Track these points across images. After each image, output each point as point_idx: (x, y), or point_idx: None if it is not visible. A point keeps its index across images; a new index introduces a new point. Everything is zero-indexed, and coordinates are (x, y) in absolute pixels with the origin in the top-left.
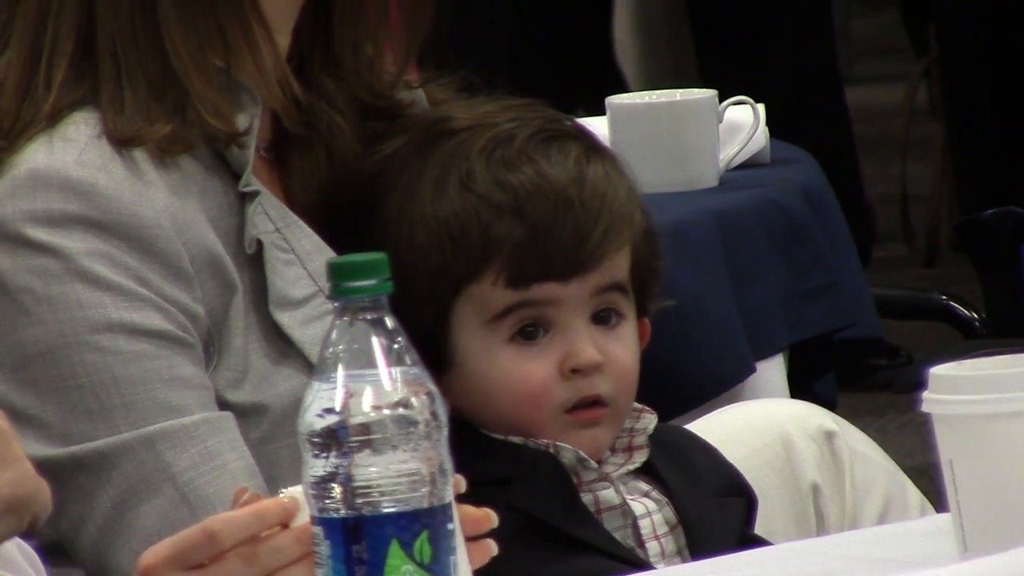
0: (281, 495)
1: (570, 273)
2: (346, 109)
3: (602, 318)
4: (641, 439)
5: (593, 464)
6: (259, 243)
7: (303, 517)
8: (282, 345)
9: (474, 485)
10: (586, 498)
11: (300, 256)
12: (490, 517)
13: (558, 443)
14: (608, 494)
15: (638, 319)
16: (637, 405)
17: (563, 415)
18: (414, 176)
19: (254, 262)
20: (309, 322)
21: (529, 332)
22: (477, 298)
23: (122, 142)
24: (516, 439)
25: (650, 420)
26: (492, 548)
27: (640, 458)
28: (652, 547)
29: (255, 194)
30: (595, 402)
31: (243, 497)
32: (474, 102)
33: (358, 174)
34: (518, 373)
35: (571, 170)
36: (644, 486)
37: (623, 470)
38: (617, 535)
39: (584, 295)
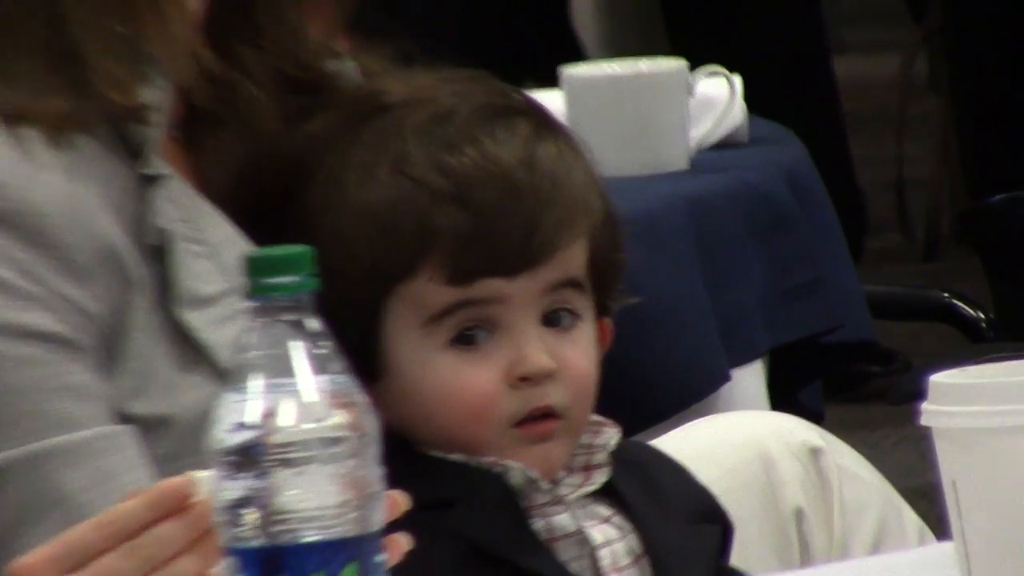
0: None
1: (518, 267)
2: (266, 82)
3: (554, 319)
4: (601, 457)
5: (545, 485)
6: (164, 233)
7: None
8: (190, 349)
9: (410, 510)
10: (537, 524)
11: (211, 248)
12: (398, 502)
13: (505, 461)
14: (562, 520)
15: (597, 319)
16: (596, 418)
17: (510, 429)
18: (341, 158)
19: (159, 255)
20: (221, 323)
21: (471, 335)
22: (413, 297)
23: (9, 119)
24: (457, 457)
25: (611, 435)
26: (403, 543)
27: (600, 478)
28: None
29: (161, 178)
30: (547, 414)
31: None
32: (410, 74)
33: (278, 156)
34: (459, 382)
35: (519, 151)
36: (604, 511)
37: (580, 492)
38: (572, 566)
39: (534, 293)
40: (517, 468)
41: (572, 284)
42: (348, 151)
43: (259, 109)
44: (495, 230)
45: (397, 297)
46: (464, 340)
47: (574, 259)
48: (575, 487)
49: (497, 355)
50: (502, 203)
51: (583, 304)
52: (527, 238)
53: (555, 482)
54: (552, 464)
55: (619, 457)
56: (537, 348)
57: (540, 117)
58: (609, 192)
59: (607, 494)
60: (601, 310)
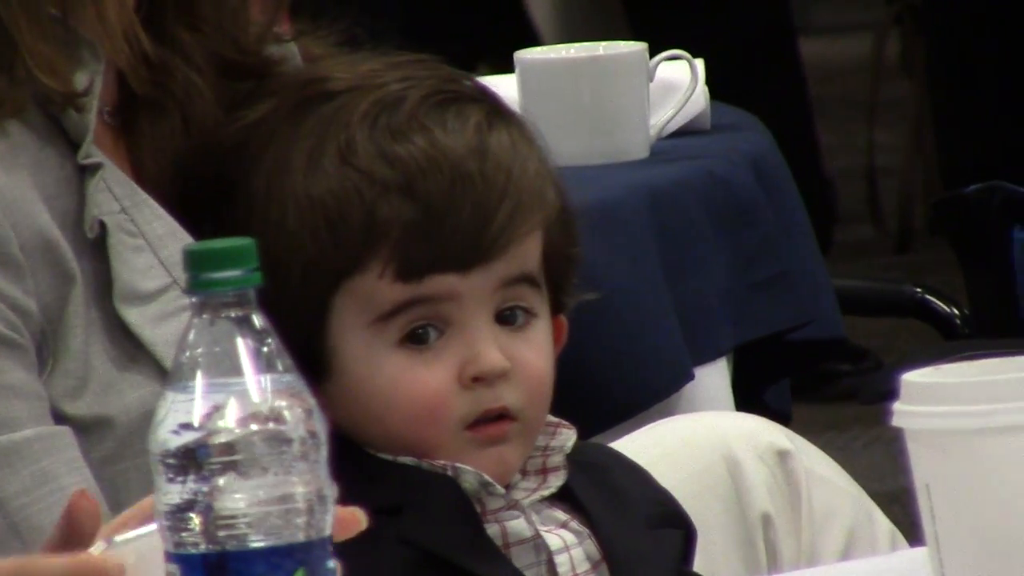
0: (102, 547)
1: (470, 262)
2: (205, 67)
3: (508, 317)
4: (557, 459)
5: (500, 489)
6: (102, 225)
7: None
8: (130, 347)
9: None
10: (491, 529)
11: (150, 241)
12: (357, 519)
13: (458, 465)
14: (518, 525)
15: (552, 316)
16: (552, 419)
17: (463, 432)
18: (284, 147)
19: (96, 248)
20: (162, 320)
21: (422, 334)
22: (360, 293)
23: None
24: (407, 460)
25: (568, 437)
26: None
27: (556, 482)
28: None
29: (97, 167)
30: (501, 415)
31: (81, 507)
32: (356, 59)
33: (218, 144)
34: (409, 382)
35: (470, 139)
36: (561, 515)
37: (536, 496)
38: (529, 573)
39: (487, 289)
40: (470, 472)
41: (527, 280)
42: (291, 139)
43: (197, 95)
44: (446, 223)
45: (344, 293)
46: (414, 339)
47: (528, 253)
48: (530, 491)
49: (449, 354)
50: (452, 194)
51: (538, 301)
52: (479, 231)
53: (509, 486)
54: (507, 467)
55: (576, 460)
56: (490, 347)
57: (492, 104)
58: (564, 183)
59: (564, 498)
60: (556, 307)
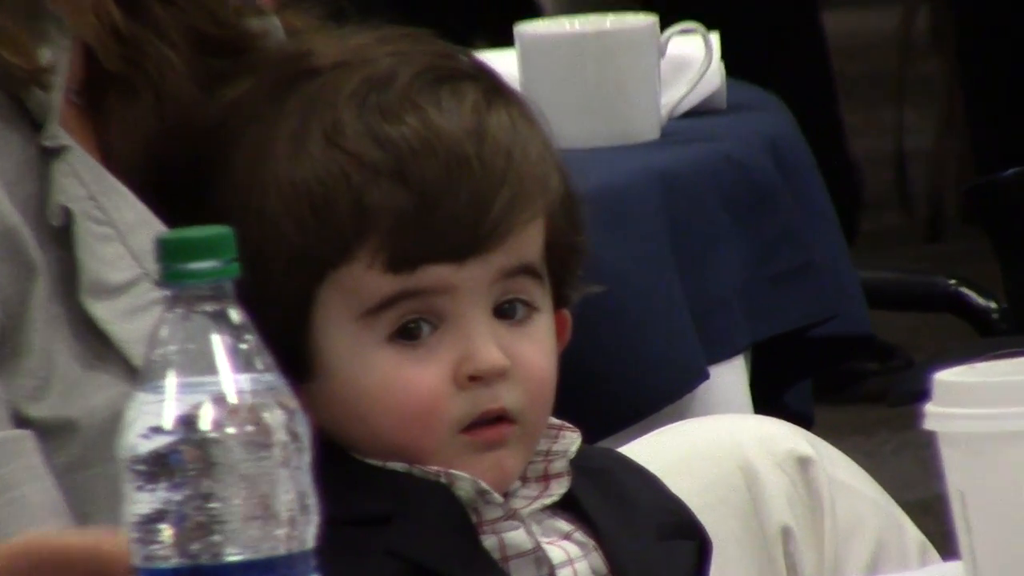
0: None
1: (466, 252)
2: (180, 42)
3: (507, 311)
4: (560, 465)
5: (498, 498)
6: (67, 213)
7: None
8: (96, 344)
9: (343, 525)
10: (489, 541)
11: (120, 230)
12: None
13: (452, 471)
14: (517, 536)
15: (555, 311)
16: (555, 421)
17: (458, 435)
18: (266, 128)
19: (61, 238)
20: (132, 314)
21: (414, 329)
22: (348, 285)
23: None
24: (398, 466)
25: (572, 441)
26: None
27: (559, 489)
28: None
29: (62, 150)
30: (499, 418)
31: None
32: (342, 33)
33: (195, 125)
34: (401, 382)
35: (467, 120)
36: (565, 526)
37: (537, 505)
38: None
39: (484, 281)
40: (466, 479)
41: (527, 271)
42: (273, 120)
43: (172, 73)
44: (440, 210)
45: (331, 286)
46: (406, 334)
47: (530, 243)
48: (531, 499)
49: (443, 351)
50: (448, 179)
51: (539, 294)
52: (476, 219)
53: (508, 494)
54: (506, 474)
55: (580, 465)
56: (488, 344)
57: (490, 82)
58: (568, 167)
59: (567, 506)
60: (559, 300)
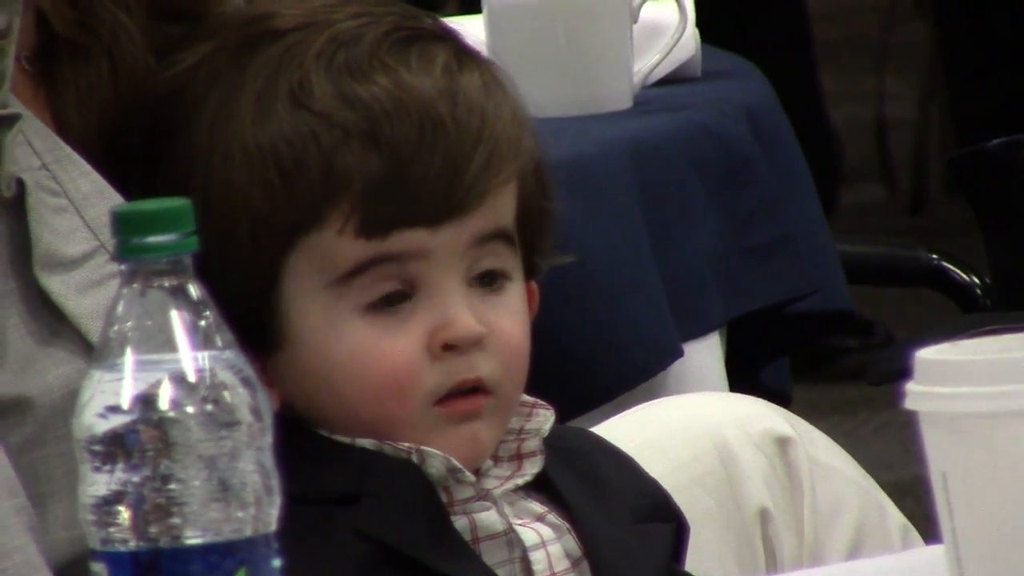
0: None
1: (441, 216)
2: (135, 7)
3: (483, 280)
4: (533, 443)
5: (469, 476)
6: (20, 183)
7: None
8: (51, 319)
9: (308, 503)
10: (460, 522)
11: (75, 201)
12: None
13: (423, 448)
14: (488, 518)
15: (532, 277)
16: (528, 399)
17: (432, 407)
18: (228, 92)
19: (14, 209)
20: (88, 288)
21: (389, 297)
22: (318, 252)
23: None
24: (367, 443)
25: (545, 418)
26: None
27: (532, 469)
28: None
29: (14, 118)
30: (475, 388)
31: None
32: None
33: (152, 92)
34: (375, 352)
35: (439, 80)
36: (538, 507)
37: (509, 485)
38: (501, 572)
39: (460, 246)
40: (437, 456)
41: (502, 236)
42: (236, 83)
43: (126, 38)
44: (414, 172)
45: (300, 252)
46: (381, 304)
47: (504, 207)
48: (503, 479)
49: (417, 320)
50: (422, 141)
51: (513, 261)
52: (451, 181)
53: (480, 473)
54: (480, 448)
55: (554, 445)
56: (464, 311)
57: (458, 44)
58: (538, 132)
59: (541, 487)
60: (529, 270)
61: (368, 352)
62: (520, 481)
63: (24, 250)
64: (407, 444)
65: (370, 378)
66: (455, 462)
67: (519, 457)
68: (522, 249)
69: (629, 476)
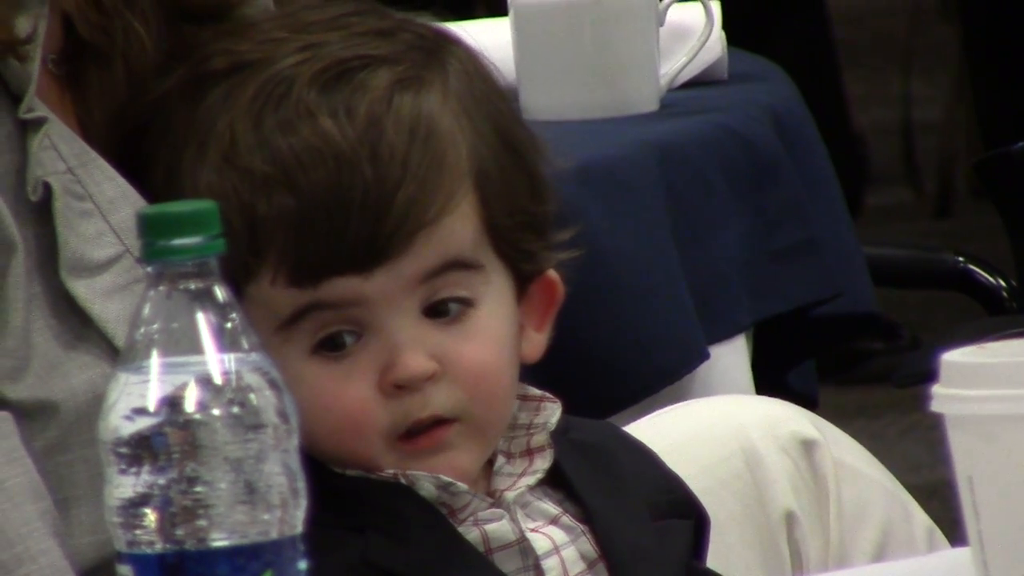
0: None
1: (369, 262)
2: (150, 12)
3: (440, 310)
4: (542, 438)
5: (461, 486)
6: (46, 187)
7: None
8: (77, 323)
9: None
10: (471, 535)
11: (100, 205)
12: None
13: (410, 472)
14: (500, 529)
15: (535, 278)
16: (535, 392)
17: (397, 443)
18: (179, 134)
19: (40, 213)
20: (113, 293)
21: (336, 341)
22: (259, 301)
23: None
24: (355, 473)
25: (551, 412)
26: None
27: (542, 464)
28: None
29: (40, 122)
30: (436, 423)
31: None
32: (297, 10)
33: (130, 119)
34: (328, 395)
35: (363, 119)
36: (552, 509)
37: (521, 486)
38: None
39: (400, 288)
40: (423, 476)
41: (456, 265)
42: (185, 127)
43: (138, 44)
44: (333, 220)
45: (247, 300)
46: (329, 346)
47: (452, 236)
48: (515, 477)
49: (368, 361)
50: (339, 187)
51: (478, 283)
52: (373, 227)
53: (494, 472)
54: (461, 472)
55: (573, 438)
56: (412, 350)
57: (417, 58)
58: (518, 133)
59: (557, 484)
60: (531, 271)
61: (323, 394)
62: (531, 480)
63: (51, 254)
64: (391, 471)
65: (329, 419)
66: (444, 477)
67: (530, 452)
68: (509, 257)
69: (649, 471)
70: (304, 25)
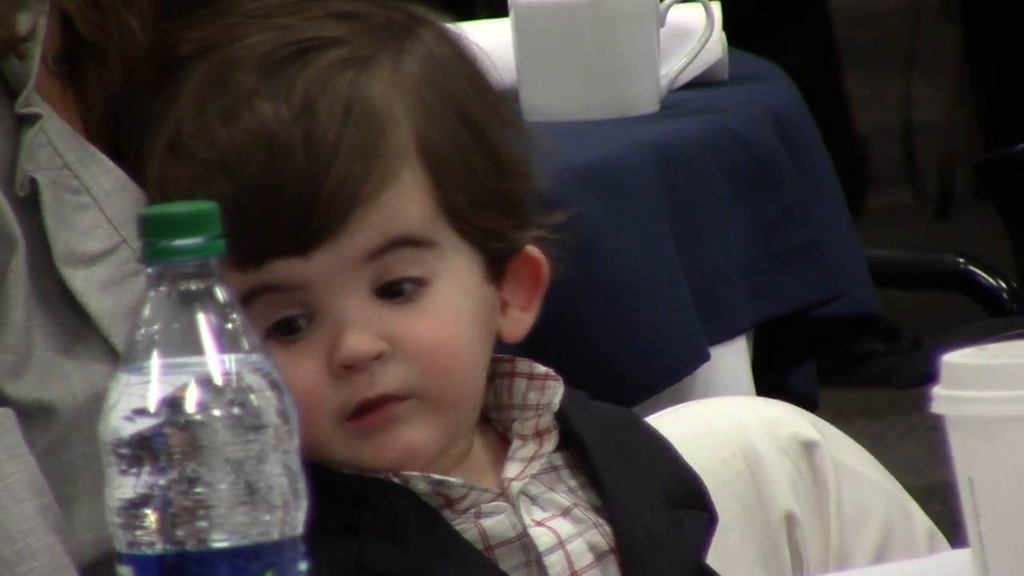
0: None
1: (306, 243)
2: (145, 10)
3: (394, 289)
4: (548, 419)
5: (454, 481)
6: (33, 183)
7: None
8: (75, 321)
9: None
10: (470, 532)
11: (97, 198)
12: None
13: (401, 472)
14: (498, 525)
15: (511, 256)
16: (540, 370)
17: (345, 423)
18: (143, 123)
19: (29, 209)
20: (110, 286)
21: (290, 325)
22: None
23: None
24: (349, 472)
25: (555, 391)
26: None
27: (548, 447)
28: None
29: (36, 118)
30: (383, 400)
31: None
32: None
33: (116, 105)
34: (283, 376)
35: (298, 102)
36: (564, 500)
37: (527, 475)
38: (517, 575)
39: (342, 268)
40: (415, 476)
41: (406, 242)
42: (148, 113)
43: (134, 39)
44: (268, 202)
45: None
46: (285, 330)
47: (397, 213)
48: (526, 462)
49: (316, 342)
50: (273, 170)
51: (430, 262)
52: (306, 208)
53: (507, 457)
54: (415, 450)
55: (600, 415)
56: (357, 330)
57: (364, 43)
58: (484, 112)
59: (579, 464)
60: (498, 252)
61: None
62: (536, 468)
63: (43, 250)
64: (383, 474)
65: None
66: (435, 476)
67: (539, 434)
68: (467, 237)
69: (667, 459)
70: (269, 9)
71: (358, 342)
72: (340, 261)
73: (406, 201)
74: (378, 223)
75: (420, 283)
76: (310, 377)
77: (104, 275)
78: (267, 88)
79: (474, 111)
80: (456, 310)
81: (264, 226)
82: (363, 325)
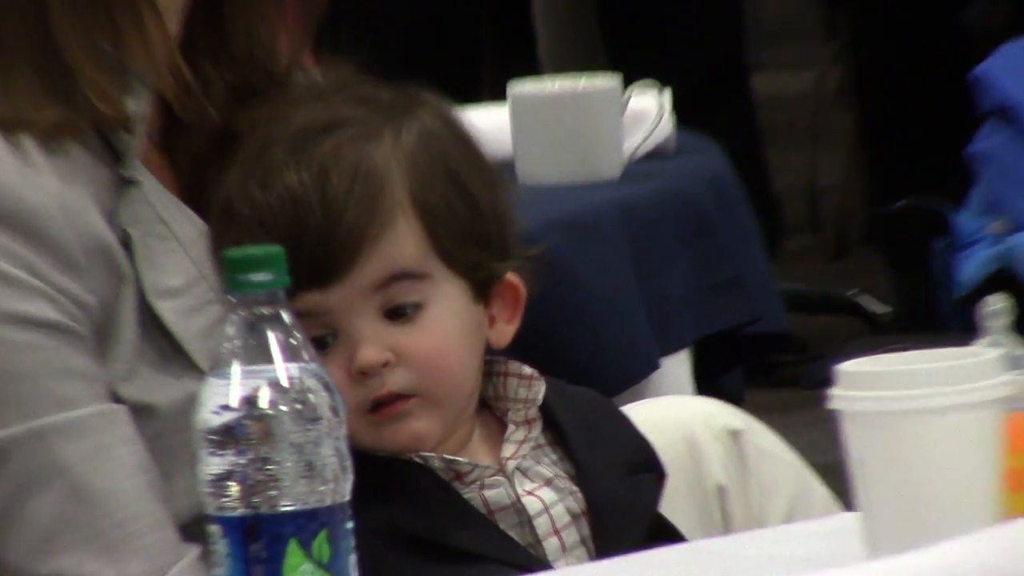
0: None
1: (325, 278)
2: (222, 97)
3: (397, 312)
4: (534, 411)
5: (463, 460)
6: (125, 234)
7: None
8: (166, 344)
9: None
10: (475, 501)
11: (183, 243)
12: None
13: (421, 453)
14: (497, 494)
15: (494, 282)
16: (527, 371)
17: (367, 415)
18: (211, 184)
19: (131, 252)
20: (191, 313)
21: (321, 341)
22: None
23: (7, 127)
24: (384, 455)
25: (539, 388)
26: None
27: (535, 432)
28: (550, 544)
29: (134, 182)
30: (394, 397)
31: None
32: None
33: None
34: None
35: (316, 169)
36: (547, 472)
37: (520, 455)
38: (513, 533)
39: (355, 297)
40: (432, 456)
41: (405, 276)
42: (212, 180)
43: (211, 120)
44: (296, 249)
45: None
46: (318, 345)
47: (396, 253)
48: (519, 444)
49: (339, 354)
50: (297, 224)
51: (426, 290)
52: (320, 253)
53: (505, 439)
54: (420, 438)
55: (569, 395)
56: (368, 345)
57: (373, 121)
58: (469, 172)
59: (557, 440)
60: (481, 279)
61: None
62: (526, 450)
63: (135, 285)
64: (406, 455)
65: None
66: (447, 456)
67: (527, 422)
68: (455, 269)
69: (627, 433)
70: (308, 94)
71: (370, 354)
72: (353, 292)
73: (403, 243)
74: (381, 261)
75: (418, 306)
76: (339, 380)
77: (186, 305)
78: (293, 161)
79: (459, 170)
80: (448, 327)
81: (292, 268)
82: (373, 340)
